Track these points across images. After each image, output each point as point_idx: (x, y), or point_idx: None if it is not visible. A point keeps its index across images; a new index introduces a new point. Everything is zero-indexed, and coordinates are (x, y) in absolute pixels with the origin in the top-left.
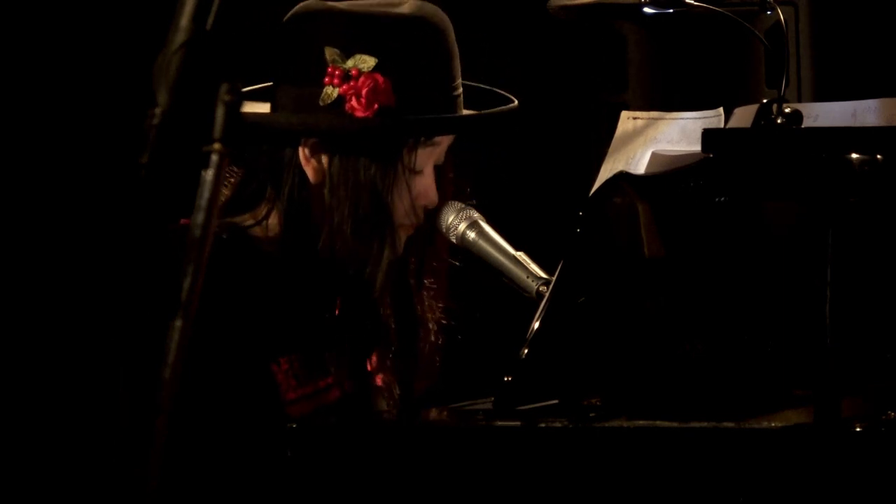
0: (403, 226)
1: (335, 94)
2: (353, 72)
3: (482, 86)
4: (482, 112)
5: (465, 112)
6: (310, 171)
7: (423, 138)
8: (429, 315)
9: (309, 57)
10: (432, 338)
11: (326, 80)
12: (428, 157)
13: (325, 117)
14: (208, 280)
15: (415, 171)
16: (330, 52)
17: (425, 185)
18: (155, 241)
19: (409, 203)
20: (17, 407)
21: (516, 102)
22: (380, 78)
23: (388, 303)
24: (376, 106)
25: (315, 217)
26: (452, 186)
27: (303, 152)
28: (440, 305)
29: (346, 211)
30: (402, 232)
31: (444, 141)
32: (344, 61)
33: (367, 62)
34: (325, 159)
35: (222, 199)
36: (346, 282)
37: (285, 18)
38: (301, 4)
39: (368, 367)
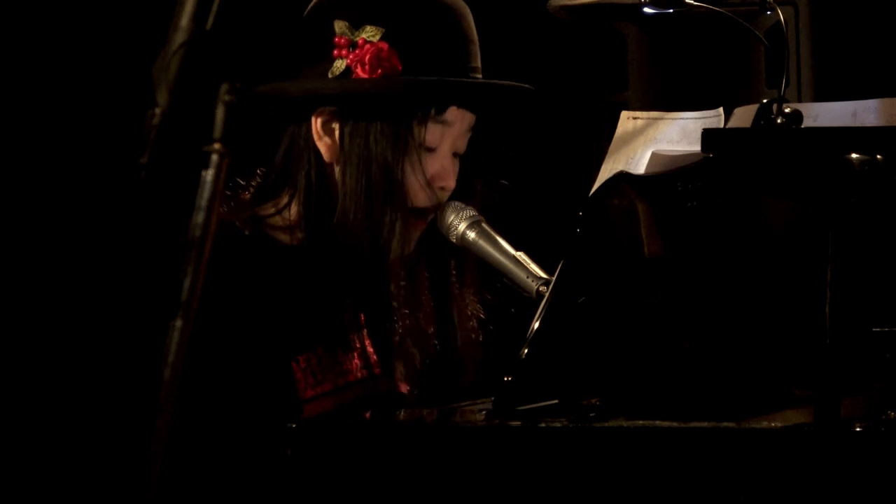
0: (419, 207)
1: (343, 66)
2: (360, 41)
3: (505, 82)
4: (487, 81)
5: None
6: (323, 149)
7: (432, 112)
8: (468, 311)
9: (321, 34)
10: (472, 334)
11: (335, 52)
12: (440, 136)
13: (330, 83)
14: (229, 279)
15: (426, 148)
16: (339, 25)
17: (442, 165)
18: (155, 241)
19: (423, 180)
20: (18, 407)
21: (532, 88)
22: (384, 45)
23: (426, 298)
24: (380, 72)
25: (333, 197)
26: (480, 202)
27: (315, 128)
28: (476, 299)
29: (357, 183)
30: (418, 214)
31: (458, 121)
32: (353, 33)
33: (373, 33)
34: (336, 132)
35: (246, 196)
36: (362, 267)
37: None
38: None
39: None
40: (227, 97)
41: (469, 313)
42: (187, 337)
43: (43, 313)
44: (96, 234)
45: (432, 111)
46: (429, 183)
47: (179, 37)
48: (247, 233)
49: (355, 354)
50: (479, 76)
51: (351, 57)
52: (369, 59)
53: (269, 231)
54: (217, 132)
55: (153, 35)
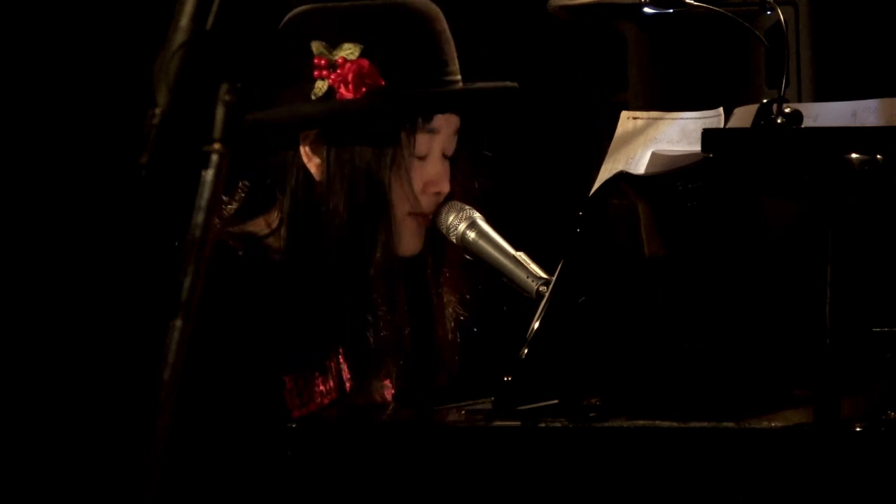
0: (411, 214)
1: (325, 87)
2: (340, 60)
3: (487, 85)
4: (471, 87)
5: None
6: (313, 169)
7: (420, 121)
8: (446, 309)
9: (299, 56)
10: (450, 333)
11: (316, 73)
12: (429, 143)
13: (315, 105)
14: (224, 300)
15: (415, 156)
16: (316, 46)
17: (435, 171)
18: (155, 241)
19: (410, 190)
20: (19, 407)
21: (515, 84)
22: (365, 62)
23: (404, 299)
24: (364, 89)
25: (320, 215)
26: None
27: (304, 151)
28: (456, 299)
29: (342, 198)
30: (411, 221)
31: (444, 126)
32: (330, 53)
33: (352, 50)
34: (324, 152)
35: (230, 210)
36: (349, 284)
37: (279, 28)
38: (292, 12)
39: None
40: (227, 97)
41: (447, 312)
42: (187, 337)
43: (43, 313)
44: (96, 234)
45: (420, 121)
46: (423, 190)
47: (179, 37)
48: (240, 253)
49: (332, 374)
50: (458, 77)
51: (333, 77)
52: (352, 77)
53: (260, 249)
54: (217, 132)
55: (153, 35)
